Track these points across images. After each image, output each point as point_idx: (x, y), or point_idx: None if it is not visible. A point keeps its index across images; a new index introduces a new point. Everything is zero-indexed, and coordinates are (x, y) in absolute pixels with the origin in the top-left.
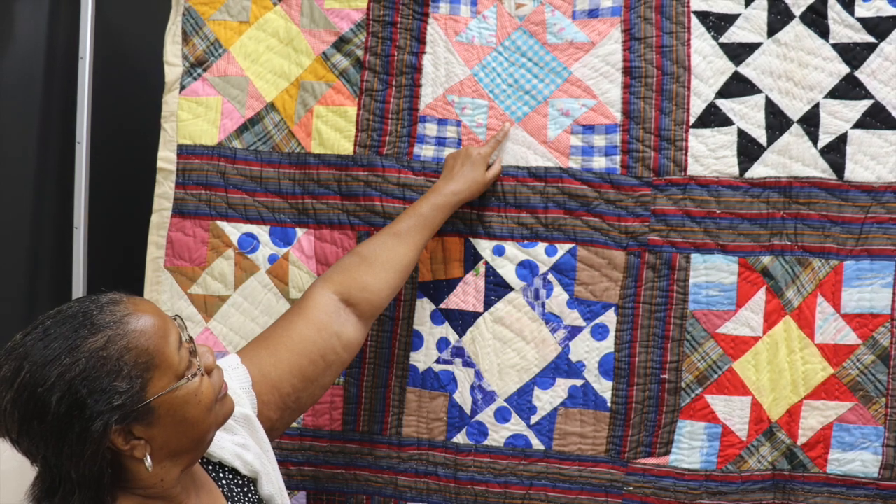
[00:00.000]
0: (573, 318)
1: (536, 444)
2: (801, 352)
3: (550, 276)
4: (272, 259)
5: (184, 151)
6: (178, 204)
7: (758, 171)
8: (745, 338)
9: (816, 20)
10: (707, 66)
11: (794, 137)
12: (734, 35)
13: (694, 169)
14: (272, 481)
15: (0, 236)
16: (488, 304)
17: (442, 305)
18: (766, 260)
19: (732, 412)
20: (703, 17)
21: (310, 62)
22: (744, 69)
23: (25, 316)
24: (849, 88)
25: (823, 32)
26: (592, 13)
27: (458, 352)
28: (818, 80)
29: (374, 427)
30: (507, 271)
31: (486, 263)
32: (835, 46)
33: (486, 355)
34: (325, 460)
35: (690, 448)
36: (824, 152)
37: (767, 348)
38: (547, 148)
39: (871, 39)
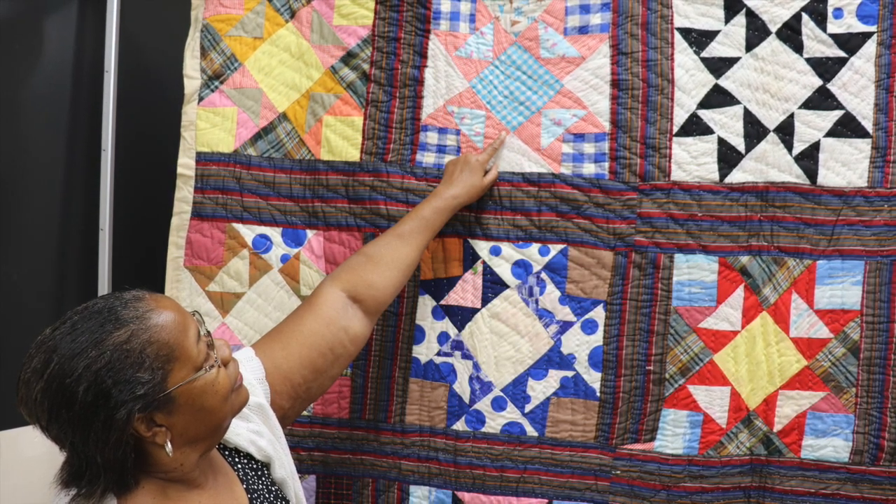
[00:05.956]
0: (565, 313)
1: (530, 431)
2: (777, 345)
3: (543, 275)
4: (284, 259)
5: (202, 158)
6: (197, 207)
7: (737, 176)
8: (724, 332)
9: (791, 36)
10: (689, 78)
11: (771, 145)
12: (714, 50)
13: (677, 175)
14: (284, 466)
15: (31, 237)
16: (486, 301)
17: (442, 302)
18: (744, 259)
19: (713, 401)
20: (686, 33)
21: (319, 75)
22: (723, 82)
23: (54, 311)
24: (821, 99)
25: (798, 47)
26: (583, 29)
27: (458, 345)
28: (793, 91)
29: (380, 415)
30: (504, 270)
31: (484, 263)
32: (808, 60)
33: (484, 348)
34: (334, 446)
35: (674, 435)
36: (798, 159)
37: (745, 342)
38: (540, 155)
39: (842, 54)
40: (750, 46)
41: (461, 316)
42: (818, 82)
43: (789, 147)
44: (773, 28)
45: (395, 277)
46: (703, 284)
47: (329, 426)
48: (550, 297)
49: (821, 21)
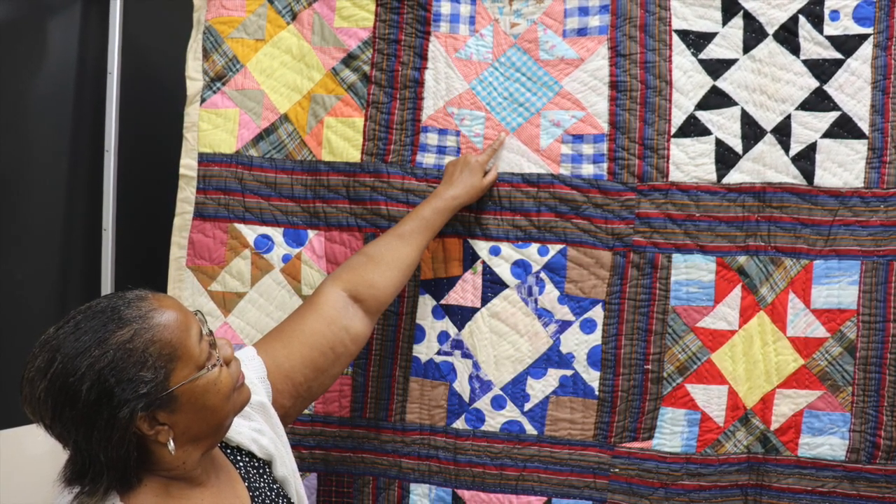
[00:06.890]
0: (563, 313)
1: (530, 429)
2: (774, 344)
3: (542, 275)
4: (286, 259)
5: (204, 159)
6: (199, 208)
7: (734, 177)
8: (722, 331)
9: (788, 38)
10: (687, 80)
11: (768, 146)
12: (712, 52)
13: (675, 175)
14: (286, 464)
15: (35, 237)
16: (485, 300)
17: (442, 301)
18: (741, 259)
19: (710, 400)
20: (684, 35)
21: (320, 77)
22: (721, 83)
23: (58, 311)
24: (818, 101)
25: (795, 49)
26: (581, 32)
27: (458, 344)
28: (790, 93)
29: (380, 414)
30: (503, 270)
31: (484, 263)
32: (805, 62)
33: (484, 347)
34: (335, 444)
35: (672, 433)
36: (795, 160)
37: (743, 341)
38: (539, 156)
39: (838, 56)
40: (747, 48)
41: (461, 315)
42: (815, 84)
43: (786, 148)
44: (771, 30)
45: (396, 277)
46: (701, 284)
47: (330, 424)
48: (549, 296)
49: (817, 23)
